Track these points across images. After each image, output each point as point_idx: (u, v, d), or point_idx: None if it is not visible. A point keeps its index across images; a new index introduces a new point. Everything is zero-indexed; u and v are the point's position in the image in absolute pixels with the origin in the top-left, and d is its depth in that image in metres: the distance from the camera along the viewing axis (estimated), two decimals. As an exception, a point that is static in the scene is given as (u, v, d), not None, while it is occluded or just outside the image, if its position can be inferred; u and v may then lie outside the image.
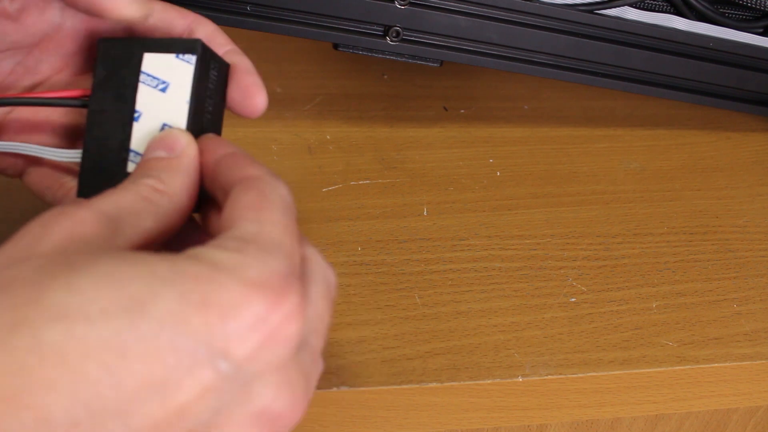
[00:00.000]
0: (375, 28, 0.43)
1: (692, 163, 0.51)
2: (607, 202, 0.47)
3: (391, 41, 0.43)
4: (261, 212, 0.24)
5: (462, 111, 0.53)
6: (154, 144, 0.27)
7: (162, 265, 0.21)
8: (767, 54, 0.48)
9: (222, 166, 0.26)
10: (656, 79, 0.48)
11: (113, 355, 0.20)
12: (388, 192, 0.46)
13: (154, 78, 0.29)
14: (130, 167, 0.28)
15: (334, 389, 0.35)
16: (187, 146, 0.27)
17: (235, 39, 0.58)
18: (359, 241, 0.42)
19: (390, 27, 0.43)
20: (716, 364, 0.38)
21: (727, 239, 0.45)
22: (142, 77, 0.29)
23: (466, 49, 0.44)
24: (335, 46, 0.44)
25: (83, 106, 0.30)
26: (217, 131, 0.30)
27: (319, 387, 0.35)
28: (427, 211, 0.45)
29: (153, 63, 0.29)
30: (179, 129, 0.28)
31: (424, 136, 0.51)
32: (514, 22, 0.44)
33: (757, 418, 0.46)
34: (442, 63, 0.45)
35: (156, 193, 0.25)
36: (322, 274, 0.26)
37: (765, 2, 0.46)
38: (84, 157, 0.29)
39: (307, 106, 0.53)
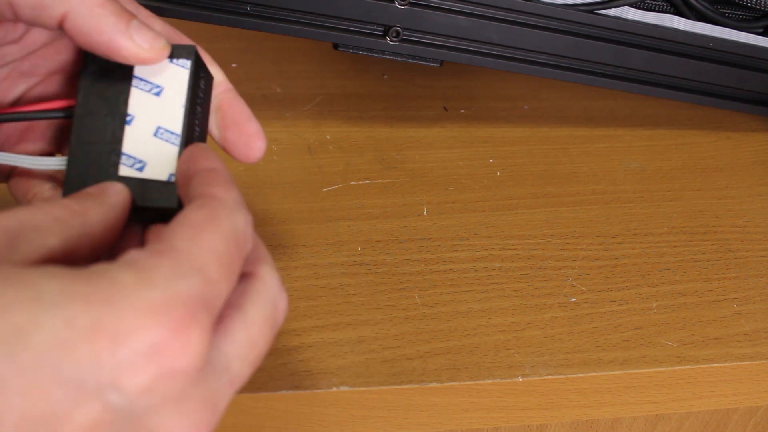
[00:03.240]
0: (375, 28, 0.43)
1: (692, 163, 0.51)
2: (607, 202, 0.47)
3: (391, 41, 0.43)
4: (201, 233, 0.22)
5: (462, 111, 0.53)
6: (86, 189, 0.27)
7: (51, 286, 0.19)
8: (767, 54, 0.48)
9: (197, 178, 0.25)
10: (656, 79, 0.48)
11: None
12: (388, 192, 0.46)
13: (147, 82, 0.29)
14: (122, 170, 0.28)
15: (334, 389, 0.35)
16: (121, 189, 0.27)
17: (235, 39, 0.58)
18: (359, 241, 0.42)
19: (390, 27, 0.43)
20: (716, 364, 0.38)
21: (727, 239, 0.45)
22: (134, 81, 0.29)
23: (466, 49, 0.44)
24: (335, 46, 0.44)
25: (68, 117, 0.29)
26: (203, 141, 0.31)
27: (319, 387, 0.35)
28: (427, 211, 0.45)
29: (145, 68, 0.29)
30: (113, 182, 0.28)
31: (424, 136, 0.51)
32: (514, 22, 0.44)
33: (757, 418, 0.46)
34: (442, 63, 0.45)
35: (69, 213, 0.24)
36: (270, 298, 0.24)
37: (765, 2, 0.46)
38: (70, 162, 0.29)
39: (307, 106, 0.53)
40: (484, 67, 0.45)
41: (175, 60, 0.29)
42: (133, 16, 0.27)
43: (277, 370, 0.35)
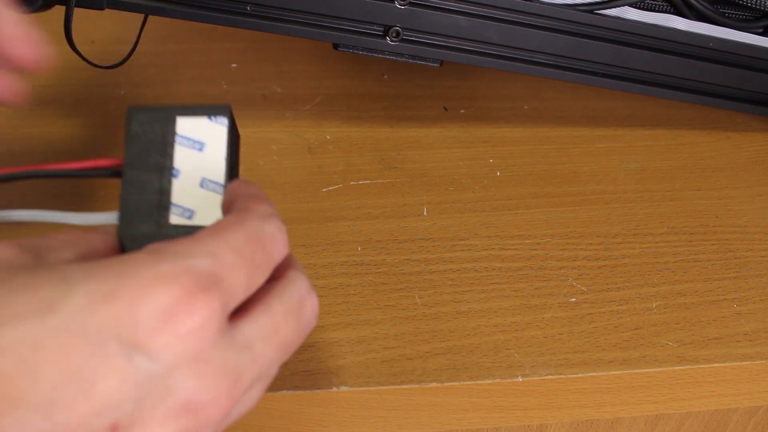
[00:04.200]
0: (375, 28, 0.43)
1: (692, 163, 0.51)
2: (607, 202, 0.47)
3: (391, 41, 0.43)
4: (222, 229, 0.25)
5: (462, 111, 0.54)
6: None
7: (75, 270, 0.22)
8: (767, 54, 0.48)
9: (237, 201, 0.28)
10: (656, 79, 0.48)
11: (27, 350, 0.21)
12: (388, 192, 0.46)
13: (190, 139, 0.32)
14: (173, 219, 0.31)
15: (334, 389, 0.35)
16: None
17: (235, 39, 0.58)
18: (359, 241, 0.42)
19: (390, 27, 0.43)
20: (716, 364, 0.38)
21: (727, 239, 0.45)
22: (177, 139, 0.32)
23: (466, 49, 0.44)
24: (335, 46, 0.44)
25: (116, 175, 0.32)
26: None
27: (319, 387, 0.35)
28: (427, 211, 0.45)
29: (187, 126, 0.32)
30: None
31: (424, 136, 0.51)
32: (514, 22, 0.44)
33: (757, 418, 0.46)
34: (442, 63, 0.45)
35: (74, 236, 0.27)
36: (295, 294, 0.26)
37: (765, 2, 0.46)
38: (122, 216, 0.31)
39: (307, 106, 0.53)
40: (484, 67, 0.45)
41: (213, 118, 0.32)
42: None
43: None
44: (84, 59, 0.41)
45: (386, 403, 0.36)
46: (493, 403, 0.37)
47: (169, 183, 0.31)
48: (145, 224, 0.31)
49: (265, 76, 0.55)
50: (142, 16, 0.51)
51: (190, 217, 0.31)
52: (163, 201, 0.31)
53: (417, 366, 0.36)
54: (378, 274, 0.40)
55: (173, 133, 0.32)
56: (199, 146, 0.32)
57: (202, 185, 0.31)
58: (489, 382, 0.36)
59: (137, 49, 0.49)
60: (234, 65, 0.56)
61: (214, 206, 0.31)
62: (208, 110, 0.32)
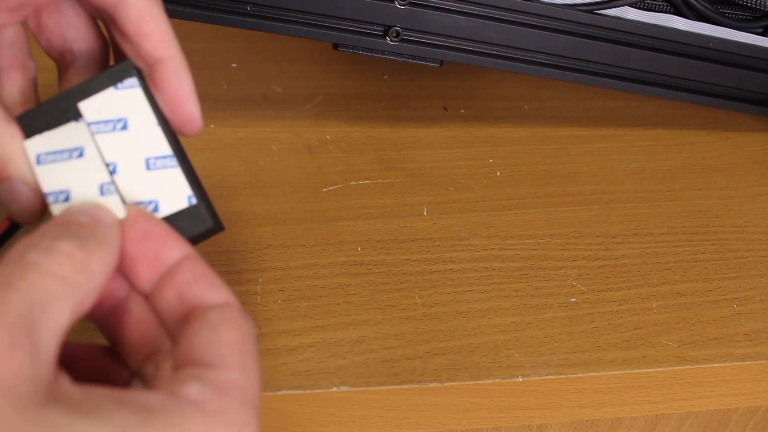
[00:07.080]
0: (375, 28, 0.43)
1: (692, 163, 0.51)
2: (607, 202, 0.47)
3: (391, 41, 0.43)
4: (245, 357, 0.23)
5: (462, 111, 0.54)
6: (75, 209, 0.24)
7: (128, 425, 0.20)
8: (767, 54, 0.48)
9: (194, 284, 0.24)
10: (656, 79, 0.48)
11: None
12: (388, 192, 0.46)
13: (107, 122, 0.26)
14: None
15: (334, 389, 0.35)
16: (113, 223, 0.24)
17: (235, 39, 0.58)
18: (359, 241, 0.42)
19: (390, 27, 0.43)
20: (716, 364, 0.38)
21: (727, 239, 0.45)
22: (92, 128, 0.26)
23: (466, 49, 0.44)
24: (335, 46, 0.44)
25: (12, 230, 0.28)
26: (182, 149, 0.28)
27: (319, 387, 0.35)
28: (427, 211, 0.45)
29: (94, 108, 0.26)
30: (103, 211, 0.25)
31: (424, 136, 0.51)
32: (514, 22, 0.44)
33: (757, 418, 0.46)
34: (442, 63, 0.45)
35: (74, 268, 0.21)
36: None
37: (765, 2, 0.46)
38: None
39: (307, 106, 0.53)
40: (484, 67, 0.45)
41: (119, 84, 0.26)
42: None
43: (277, 370, 0.35)
44: (84, 59, 0.41)
45: (386, 403, 0.36)
46: (493, 403, 0.37)
47: (112, 183, 0.26)
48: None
49: (265, 76, 0.55)
50: (142, 16, 0.51)
51: (156, 209, 0.26)
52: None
53: (417, 366, 0.36)
54: (378, 274, 0.40)
55: (85, 126, 0.26)
56: (122, 124, 0.26)
57: (149, 167, 0.26)
58: (489, 382, 0.36)
59: (137, 49, 0.49)
60: (234, 65, 0.56)
61: (176, 184, 0.26)
62: (110, 77, 0.26)
